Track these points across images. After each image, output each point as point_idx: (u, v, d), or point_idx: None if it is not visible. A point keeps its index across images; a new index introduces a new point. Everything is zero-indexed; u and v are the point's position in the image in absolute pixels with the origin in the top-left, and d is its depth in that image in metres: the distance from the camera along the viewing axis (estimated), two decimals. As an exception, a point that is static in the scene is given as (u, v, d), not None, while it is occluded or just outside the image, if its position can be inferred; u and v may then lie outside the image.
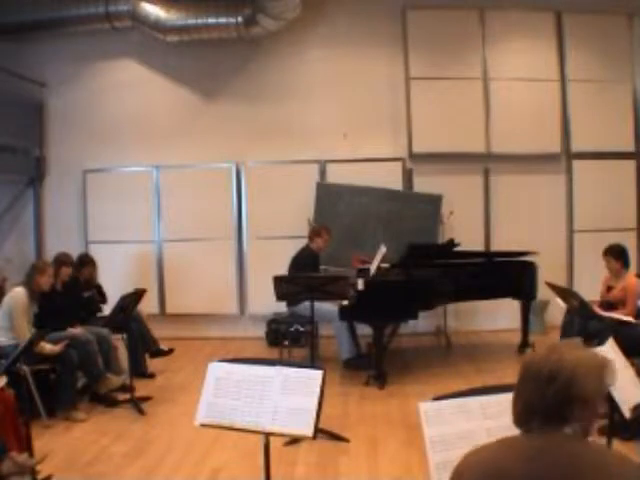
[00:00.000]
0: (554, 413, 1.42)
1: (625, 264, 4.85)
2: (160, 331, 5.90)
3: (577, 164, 6.96)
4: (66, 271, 5.05)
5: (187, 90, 7.27)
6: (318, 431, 2.19)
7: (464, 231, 6.61)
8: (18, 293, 4.49)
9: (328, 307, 5.31)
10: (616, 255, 4.85)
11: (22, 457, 3.22)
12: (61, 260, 5.06)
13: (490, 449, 1.49)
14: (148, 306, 6.13)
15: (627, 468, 1.36)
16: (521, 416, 1.48)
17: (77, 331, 4.77)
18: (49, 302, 4.75)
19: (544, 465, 1.38)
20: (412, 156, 6.99)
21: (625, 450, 2.45)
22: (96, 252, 6.45)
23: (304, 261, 5.79)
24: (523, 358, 1.53)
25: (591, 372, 1.42)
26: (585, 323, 4.59)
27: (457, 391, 1.98)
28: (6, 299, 4.52)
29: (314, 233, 5.97)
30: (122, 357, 5.11)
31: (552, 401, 1.41)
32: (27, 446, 3.36)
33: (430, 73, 6.88)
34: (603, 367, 1.44)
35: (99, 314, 5.56)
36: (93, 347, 4.69)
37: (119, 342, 5.07)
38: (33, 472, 3.25)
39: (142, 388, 5.05)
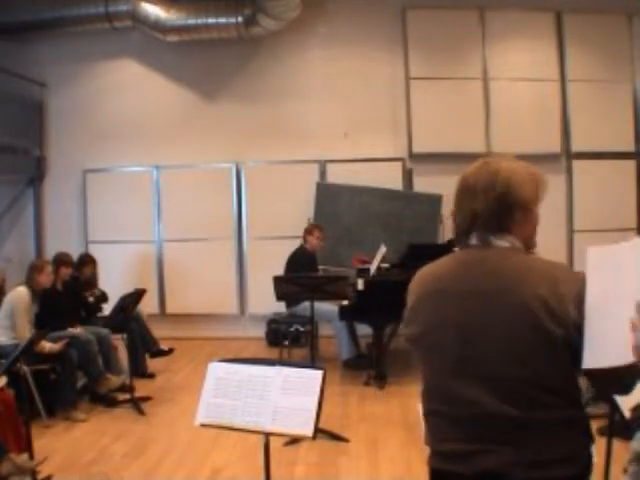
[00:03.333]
0: (495, 219, 1.46)
1: None
2: (160, 331, 5.90)
3: (577, 164, 6.96)
4: (66, 271, 5.05)
5: (187, 90, 7.28)
6: (318, 431, 2.19)
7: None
8: (20, 292, 4.50)
9: (328, 307, 5.31)
10: None
11: (22, 459, 3.22)
12: (61, 260, 5.06)
13: (437, 267, 1.58)
14: (148, 306, 6.13)
15: (573, 276, 1.41)
16: (461, 228, 1.52)
17: (77, 331, 4.77)
18: (50, 302, 4.75)
19: (481, 273, 1.45)
20: (412, 156, 6.99)
21: (624, 451, 2.45)
22: (96, 252, 6.44)
23: (299, 261, 5.79)
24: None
25: (526, 180, 1.48)
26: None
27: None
28: (7, 298, 4.53)
29: (306, 232, 5.98)
30: (122, 357, 5.11)
31: (493, 206, 1.45)
32: (27, 446, 3.35)
33: (430, 73, 6.88)
34: (536, 176, 1.51)
35: (99, 314, 5.55)
36: (93, 347, 4.69)
37: (119, 342, 5.07)
38: (33, 473, 3.25)
39: (142, 388, 5.05)
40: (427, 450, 1.55)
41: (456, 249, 1.59)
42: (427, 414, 1.53)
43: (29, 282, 4.58)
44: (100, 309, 5.60)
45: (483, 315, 1.41)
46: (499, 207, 1.46)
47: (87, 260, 5.64)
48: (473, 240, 1.50)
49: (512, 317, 1.37)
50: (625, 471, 2.31)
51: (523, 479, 1.37)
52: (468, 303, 1.44)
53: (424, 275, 1.60)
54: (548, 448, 1.37)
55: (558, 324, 1.33)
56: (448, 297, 1.47)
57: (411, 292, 1.60)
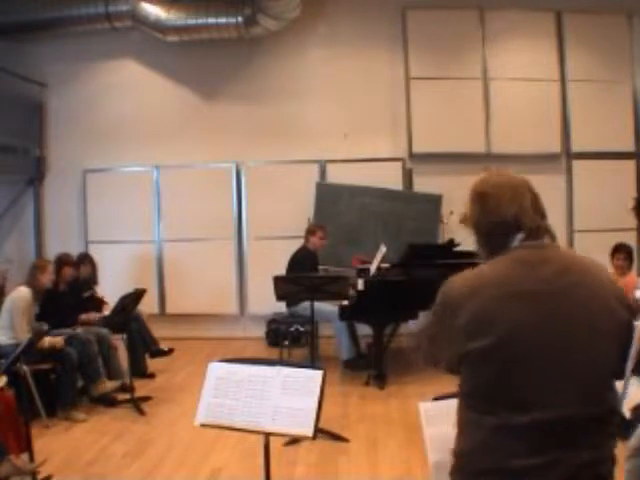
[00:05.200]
0: (536, 224, 1.49)
1: (630, 263, 5.00)
2: (160, 331, 5.90)
3: (577, 164, 6.96)
4: (68, 271, 5.05)
5: (187, 90, 7.27)
6: (318, 431, 2.19)
7: (464, 231, 6.58)
8: (22, 292, 4.50)
9: (328, 307, 5.31)
10: (627, 253, 4.99)
11: (22, 460, 3.22)
12: (63, 260, 5.06)
13: (493, 271, 1.49)
14: (148, 306, 6.13)
15: (602, 267, 1.53)
16: (530, 227, 1.49)
17: (77, 330, 4.78)
18: (52, 302, 4.74)
19: (551, 272, 1.43)
20: (412, 156, 6.99)
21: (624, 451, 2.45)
22: (96, 252, 6.44)
23: (301, 261, 5.79)
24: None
25: (529, 188, 1.54)
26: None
27: (457, 391, 1.98)
28: (9, 298, 4.53)
29: (309, 232, 5.98)
30: (122, 357, 5.10)
31: (533, 211, 1.51)
32: (27, 446, 3.35)
33: (430, 73, 6.88)
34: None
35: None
36: (93, 347, 4.69)
37: (119, 342, 5.07)
38: (33, 474, 3.25)
39: (142, 388, 5.04)
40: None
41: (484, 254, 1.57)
42: (491, 430, 1.40)
43: (31, 282, 4.57)
44: (100, 309, 5.59)
45: (565, 314, 1.40)
46: (537, 212, 1.53)
47: (84, 259, 5.62)
48: (529, 240, 1.49)
49: (593, 311, 1.40)
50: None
51: (597, 475, 1.38)
52: (547, 304, 1.40)
53: (477, 281, 1.47)
54: (610, 443, 1.42)
55: (625, 309, 1.42)
56: (523, 300, 1.40)
57: (465, 301, 1.44)
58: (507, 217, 1.48)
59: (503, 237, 1.50)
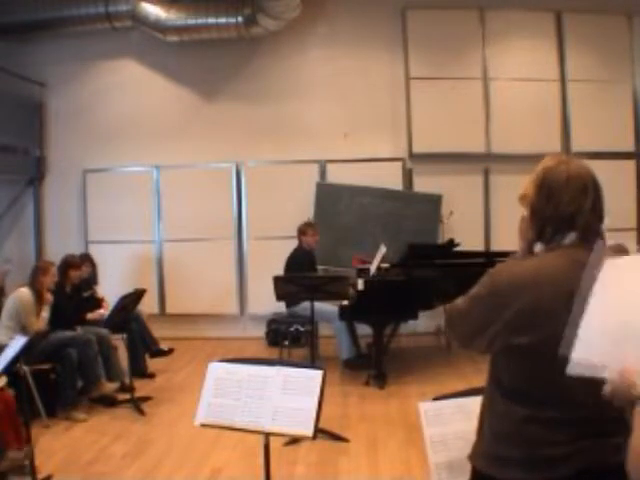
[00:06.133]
0: (592, 226, 1.45)
1: None
2: (160, 331, 5.90)
3: (577, 164, 6.95)
4: (74, 273, 5.04)
5: (187, 90, 7.27)
6: (318, 431, 2.19)
7: (464, 231, 6.61)
8: (23, 293, 4.50)
9: (328, 307, 5.31)
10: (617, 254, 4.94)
11: (15, 452, 3.24)
12: (70, 263, 5.05)
13: (547, 267, 1.45)
14: (148, 306, 6.13)
15: None
16: (584, 224, 1.45)
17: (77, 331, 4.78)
18: (59, 304, 4.74)
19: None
20: (412, 156, 6.99)
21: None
22: (96, 252, 6.44)
23: (298, 261, 5.79)
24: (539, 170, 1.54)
25: (595, 187, 1.49)
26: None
27: (457, 391, 1.98)
28: (10, 300, 4.52)
29: (300, 233, 5.98)
30: (122, 357, 5.11)
31: (590, 213, 1.45)
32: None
33: (430, 73, 6.88)
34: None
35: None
36: (94, 348, 4.68)
37: (119, 342, 5.07)
38: (33, 473, 3.26)
39: (142, 388, 5.05)
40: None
41: (537, 247, 1.53)
42: (522, 420, 1.43)
43: (32, 283, 4.57)
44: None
45: None
46: (597, 212, 1.49)
47: (84, 259, 5.61)
48: (581, 240, 1.46)
49: None
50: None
51: (617, 462, 1.37)
52: None
53: (532, 275, 1.45)
54: (625, 432, 1.40)
55: None
56: (573, 300, 1.39)
57: (516, 295, 1.43)
58: (564, 215, 1.46)
59: (554, 231, 1.48)
